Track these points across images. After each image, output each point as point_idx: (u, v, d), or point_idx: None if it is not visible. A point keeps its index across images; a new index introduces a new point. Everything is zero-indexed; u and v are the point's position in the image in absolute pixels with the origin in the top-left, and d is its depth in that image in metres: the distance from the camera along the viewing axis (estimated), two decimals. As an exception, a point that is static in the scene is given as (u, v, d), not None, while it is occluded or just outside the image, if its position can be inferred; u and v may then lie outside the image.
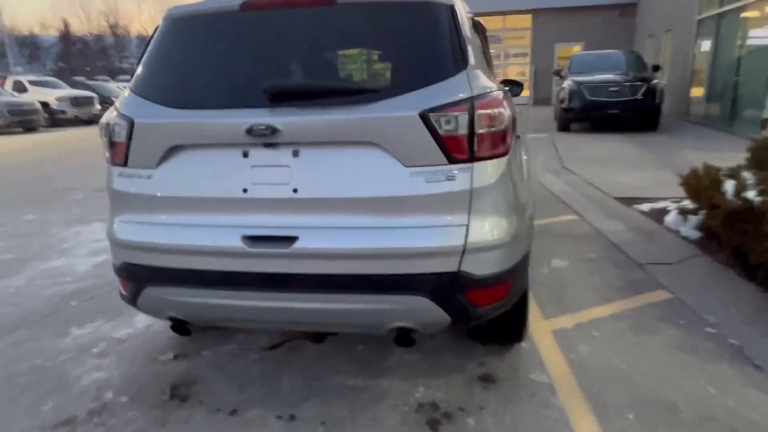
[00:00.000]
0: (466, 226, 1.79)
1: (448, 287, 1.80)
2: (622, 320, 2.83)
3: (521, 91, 4.37)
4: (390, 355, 2.56)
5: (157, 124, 1.89)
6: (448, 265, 1.78)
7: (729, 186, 3.21)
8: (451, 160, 1.77)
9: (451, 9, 1.93)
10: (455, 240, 1.77)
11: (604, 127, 10.79)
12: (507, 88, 2.22)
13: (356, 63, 1.86)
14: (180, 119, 1.87)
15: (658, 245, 3.92)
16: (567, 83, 10.63)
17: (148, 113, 1.91)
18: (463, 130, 1.76)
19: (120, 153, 1.97)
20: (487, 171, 1.81)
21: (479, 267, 1.82)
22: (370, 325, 1.91)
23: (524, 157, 2.42)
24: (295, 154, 1.82)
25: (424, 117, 1.73)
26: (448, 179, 1.77)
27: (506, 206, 1.88)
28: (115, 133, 1.96)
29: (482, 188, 1.79)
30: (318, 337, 2.73)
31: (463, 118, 1.76)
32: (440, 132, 1.75)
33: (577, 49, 20.19)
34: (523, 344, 2.61)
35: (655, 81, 10.23)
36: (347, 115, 1.76)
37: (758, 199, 2.86)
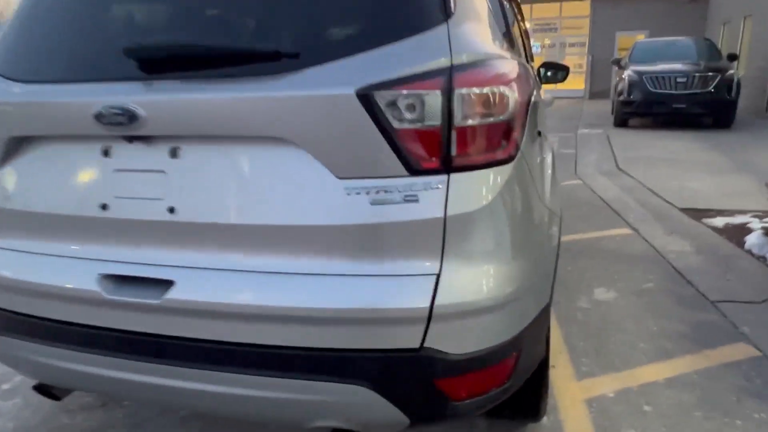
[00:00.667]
0: (435, 277, 1.10)
1: (403, 373, 1.12)
2: (688, 389, 2.05)
3: (566, 76, 3.56)
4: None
5: None
6: (404, 339, 1.10)
7: None
8: (413, 170, 1.08)
9: None
10: (416, 299, 1.09)
11: (668, 123, 9.64)
12: (528, 66, 1.48)
13: (270, 12, 1.18)
14: (23, 98, 1.27)
15: (737, 275, 3.06)
16: (627, 73, 9.52)
17: None
18: (432, 121, 1.07)
19: None
20: (474, 188, 1.11)
21: (457, 342, 1.13)
22: (283, 420, 1.25)
23: (549, 166, 1.66)
24: (174, 153, 1.18)
25: (365, 97, 1.05)
26: (407, 200, 1.08)
27: (509, 244, 1.17)
28: None
29: (465, 216, 1.10)
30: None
31: (434, 100, 1.06)
32: (393, 123, 1.06)
33: (640, 37, 18.64)
34: (544, 420, 1.89)
35: (731, 72, 8.98)
36: (245, 93, 1.10)
37: None
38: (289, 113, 1.08)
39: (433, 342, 1.11)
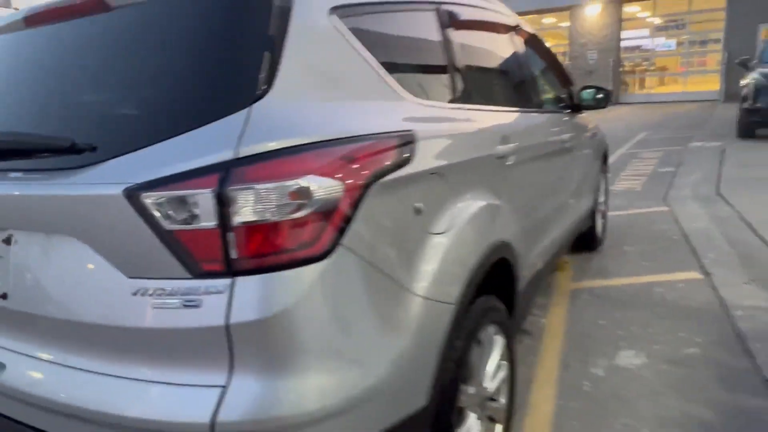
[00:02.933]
0: (220, 390, 1.00)
1: None
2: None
3: (607, 102, 3.18)
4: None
5: None
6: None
7: None
8: (195, 273, 1.00)
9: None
10: (195, 413, 0.99)
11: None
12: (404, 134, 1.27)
13: (104, 103, 1.16)
14: None
15: (816, 347, 2.44)
16: (753, 75, 8.22)
17: None
18: (206, 222, 0.98)
19: None
20: (268, 291, 0.99)
21: None
22: None
23: (443, 248, 1.37)
24: (8, 241, 1.22)
25: (132, 198, 0.99)
26: (188, 305, 1.00)
27: (323, 352, 1.03)
28: None
29: (255, 323, 0.98)
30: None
31: (204, 200, 0.97)
32: (164, 224, 0.99)
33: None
34: None
35: None
36: (36, 190, 1.11)
37: None
38: (70, 212, 1.06)
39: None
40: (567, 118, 3.01)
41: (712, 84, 17.55)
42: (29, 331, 1.20)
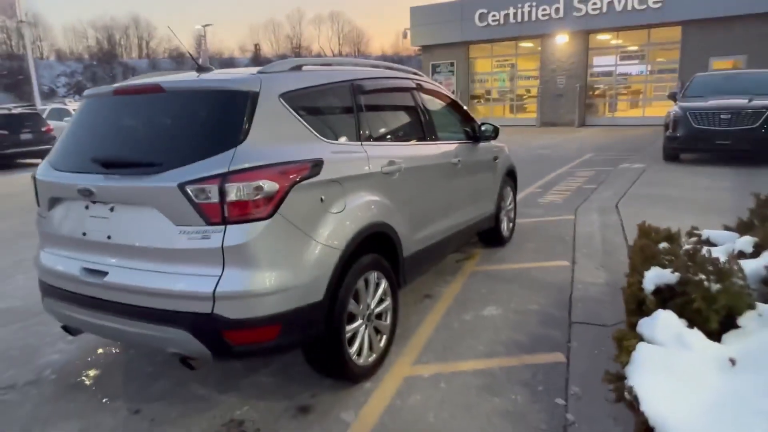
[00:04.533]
0: (218, 278, 2.18)
1: (204, 326, 2.21)
2: (482, 377, 2.85)
3: (496, 134, 4.48)
4: (253, 374, 2.98)
5: (42, 181, 2.64)
6: (202, 307, 2.19)
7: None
8: (207, 222, 2.19)
9: (241, 95, 2.35)
10: (207, 288, 2.18)
11: (724, 159, 9.46)
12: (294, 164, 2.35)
13: (163, 140, 2.41)
14: (53, 179, 2.59)
15: (617, 302, 3.66)
16: (674, 108, 9.61)
17: (42, 172, 2.67)
18: (215, 199, 2.17)
19: (37, 199, 2.75)
20: (239, 232, 2.18)
21: (233, 312, 2.19)
22: (156, 346, 2.40)
23: (336, 217, 2.52)
24: (112, 210, 2.41)
25: (181, 188, 2.18)
26: (204, 237, 2.19)
27: (267, 263, 2.22)
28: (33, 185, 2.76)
29: (233, 247, 2.17)
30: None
31: (214, 190, 2.16)
32: (196, 200, 2.18)
33: (739, 63, 17.67)
34: (368, 384, 2.83)
35: (787, 107, 8.71)
36: (134, 182, 2.30)
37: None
38: (150, 195, 2.25)
39: (219, 310, 2.18)
40: (466, 146, 4.25)
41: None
42: (123, 254, 2.37)
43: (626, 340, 2.22)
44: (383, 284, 2.95)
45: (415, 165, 3.34)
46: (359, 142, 2.92)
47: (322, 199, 2.49)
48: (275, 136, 2.40)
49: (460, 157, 3.99)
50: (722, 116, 8.77)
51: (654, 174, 8.63)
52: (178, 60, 71.26)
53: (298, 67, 2.78)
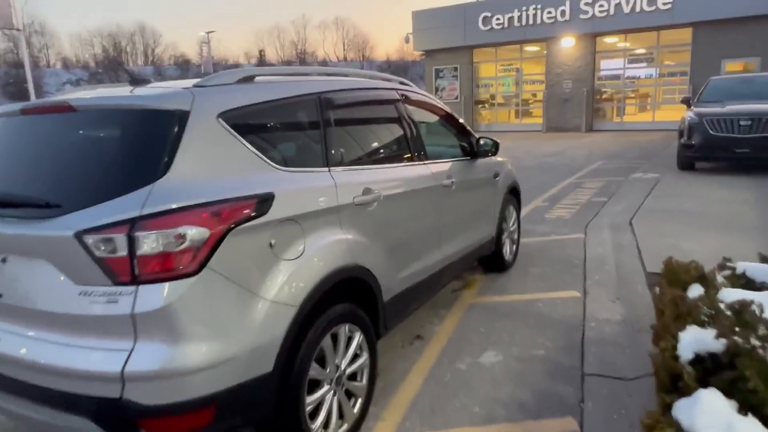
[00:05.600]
0: (127, 352, 1.69)
1: (111, 414, 1.71)
2: None
3: (496, 150, 3.97)
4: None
5: None
6: (109, 391, 1.69)
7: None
8: (114, 282, 1.70)
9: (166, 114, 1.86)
10: (113, 366, 1.68)
11: (743, 168, 8.87)
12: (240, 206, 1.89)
13: (67, 173, 1.90)
14: None
15: (634, 351, 3.14)
16: (689, 114, 9.05)
17: None
18: (122, 251, 1.67)
19: None
20: (155, 294, 1.68)
21: (147, 395, 1.69)
22: None
23: (287, 270, 2.03)
24: (3, 261, 1.92)
25: (79, 238, 1.69)
26: (109, 301, 1.69)
27: (189, 332, 1.72)
28: None
29: (148, 313, 1.67)
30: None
31: (121, 239, 1.67)
32: (97, 253, 1.68)
33: (751, 66, 17.06)
34: (337, 463, 2.32)
35: (812, 112, 8.15)
36: (28, 229, 1.80)
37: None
38: (43, 245, 1.76)
39: (131, 394, 1.69)
40: (462, 164, 3.74)
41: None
42: (16, 317, 1.88)
43: (659, 431, 1.71)
44: (357, 338, 2.45)
45: (398, 191, 2.84)
46: (326, 168, 2.42)
47: (271, 244, 1.99)
48: (210, 167, 1.91)
49: (454, 178, 3.48)
50: (741, 122, 8.20)
51: (669, 185, 8.08)
52: (184, 67, 71.22)
53: (249, 79, 2.29)
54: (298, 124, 2.43)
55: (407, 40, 24.21)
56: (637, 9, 18.06)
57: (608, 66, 20.47)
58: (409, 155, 3.12)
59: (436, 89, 23.23)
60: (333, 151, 2.50)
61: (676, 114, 18.64)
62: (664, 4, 17.52)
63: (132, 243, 1.67)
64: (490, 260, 4.54)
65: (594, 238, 5.64)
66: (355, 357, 2.45)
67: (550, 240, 5.73)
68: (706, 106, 9.10)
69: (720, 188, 7.63)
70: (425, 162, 3.24)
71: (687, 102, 10.08)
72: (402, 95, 3.23)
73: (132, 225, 1.67)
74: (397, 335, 3.51)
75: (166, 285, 1.70)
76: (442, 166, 3.44)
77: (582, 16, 19.18)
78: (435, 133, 3.64)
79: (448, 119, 3.83)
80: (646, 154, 12.46)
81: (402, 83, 3.46)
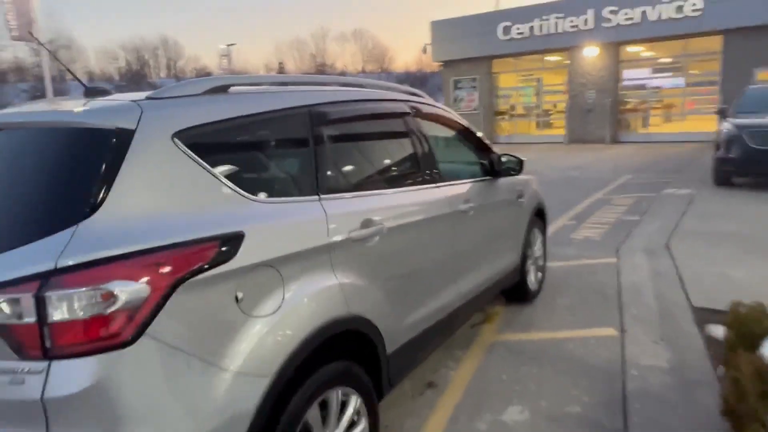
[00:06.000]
0: (38, 451, 1.27)
1: None
2: None
3: (521, 167, 3.51)
4: None
5: None
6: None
7: None
8: (21, 356, 1.28)
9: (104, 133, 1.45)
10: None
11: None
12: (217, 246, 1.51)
13: None
14: None
15: (686, 408, 2.62)
16: (726, 126, 8.44)
17: None
18: (29, 317, 1.26)
19: None
20: (73, 373, 1.27)
21: None
22: None
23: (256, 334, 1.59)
24: None
25: None
26: (13, 382, 1.28)
27: (120, 420, 1.30)
28: None
29: (62, 399, 1.26)
30: None
31: (28, 301, 1.26)
32: None
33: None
34: None
35: None
36: None
37: None
38: None
39: None
40: (481, 185, 3.29)
41: (710, 125, 17.71)
42: None
43: None
44: (354, 402, 2.00)
45: (406, 221, 2.39)
46: (316, 196, 1.99)
47: (238, 298, 1.56)
48: (158, 201, 1.50)
49: (472, 202, 3.02)
50: (785, 135, 7.58)
51: (705, 202, 7.48)
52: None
53: (221, 89, 1.88)
54: (282, 144, 2.01)
55: (425, 51, 23.86)
56: (664, 16, 17.42)
57: (632, 75, 19.80)
58: (420, 177, 2.68)
59: (455, 100, 22.79)
60: (326, 176, 2.07)
61: (704, 125, 17.99)
62: (694, 11, 16.86)
63: (42, 305, 1.26)
64: (514, 290, 4.06)
65: (628, 263, 5.11)
66: (352, 425, 2.01)
67: (578, 265, 5.21)
68: (744, 116, 8.49)
69: (763, 207, 7.01)
70: (439, 184, 2.79)
71: (723, 113, 9.45)
72: (412, 108, 2.80)
73: (43, 281, 1.27)
74: (406, 381, 3.05)
75: (89, 360, 1.28)
76: (459, 188, 2.99)
77: (605, 25, 18.59)
78: (449, 151, 3.20)
79: (465, 134, 3.38)
80: (676, 167, 11.80)
81: (413, 94, 3.03)
